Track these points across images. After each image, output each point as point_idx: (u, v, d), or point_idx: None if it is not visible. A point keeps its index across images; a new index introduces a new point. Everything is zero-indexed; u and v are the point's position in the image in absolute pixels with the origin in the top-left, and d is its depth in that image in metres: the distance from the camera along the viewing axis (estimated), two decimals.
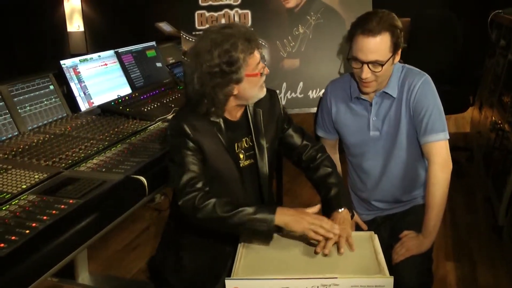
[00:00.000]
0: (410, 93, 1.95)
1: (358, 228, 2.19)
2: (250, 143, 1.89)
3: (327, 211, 1.82)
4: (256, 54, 1.74)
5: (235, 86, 1.73)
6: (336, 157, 2.30)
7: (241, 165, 1.86)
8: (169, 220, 2.00)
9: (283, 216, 1.64)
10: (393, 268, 1.89)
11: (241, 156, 1.87)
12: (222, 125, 1.80)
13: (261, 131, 1.89)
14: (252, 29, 2.37)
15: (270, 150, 1.92)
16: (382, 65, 1.87)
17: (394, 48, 1.88)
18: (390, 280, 1.50)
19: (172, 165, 1.77)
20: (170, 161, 1.78)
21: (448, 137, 1.95)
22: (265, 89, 1.83)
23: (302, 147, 1.99)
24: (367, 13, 1.94)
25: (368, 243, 1.71)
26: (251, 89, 1.77)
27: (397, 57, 1.93)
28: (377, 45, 1.85)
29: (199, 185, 1.70)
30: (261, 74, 1.77)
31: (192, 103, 1.77)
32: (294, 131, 2.00)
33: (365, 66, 1.87)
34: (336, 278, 1.49)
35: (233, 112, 1.85)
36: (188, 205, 1.67)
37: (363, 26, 1.85)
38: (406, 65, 2.03)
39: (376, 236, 1.75)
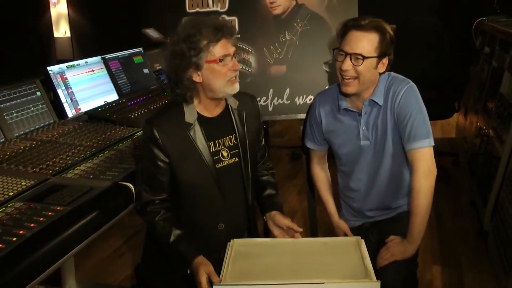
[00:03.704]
0: (394, 100, 1.96)
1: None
2: (235, 141, 1.88)
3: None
4: (225, 45, 1.73)
5: (196, 71, 1.73)
6: (325, 167, 2.31)
7: (222, 164, 1.85)
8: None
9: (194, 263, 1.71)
10: (378, 272, 1.90)
11: (225, 153, 1.86)
12: (197, 125, 1.79)
13: (244, 130, 1.89)
14: (239, 36, 2.39)
15: (252, 152, 1.93)
16: (363, 59, 1.88)
17: (380, 51, 1.90)
18: (377, 284, 1.52)
19: (139, 167, 1.82)
20: (139, 159, 1.83)
21: (432, 144, 1.95)
22: (236, 86, 1.80)
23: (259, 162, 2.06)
24: (363, 16, 1.98)
25: (355, 248, 1.73)
26: (215, 79, 1.75)
27: (382, 67, 1.94)
28: (364, 40, 1.89)
29: (157, 200, 1.81)
30: (221, 60, 1.73)
31: (169, 101, 1.82)
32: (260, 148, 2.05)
33: (348, 57, 1.91)
34: (323, 283, 1.50)
35: (209, 107, 1.84)
36: (145, 219, 1.83)
37: (356, 22, 1.92)
38: (392, 73, 2.04)
39: (363, 241, 1.76)
